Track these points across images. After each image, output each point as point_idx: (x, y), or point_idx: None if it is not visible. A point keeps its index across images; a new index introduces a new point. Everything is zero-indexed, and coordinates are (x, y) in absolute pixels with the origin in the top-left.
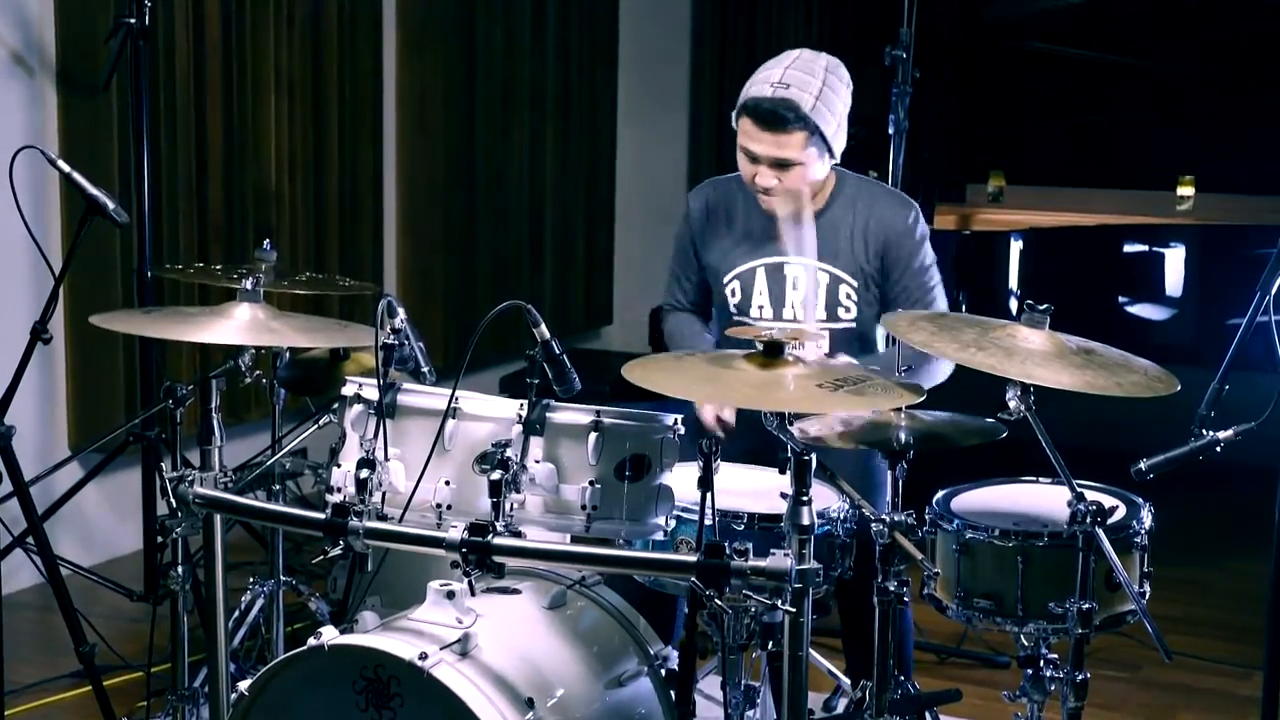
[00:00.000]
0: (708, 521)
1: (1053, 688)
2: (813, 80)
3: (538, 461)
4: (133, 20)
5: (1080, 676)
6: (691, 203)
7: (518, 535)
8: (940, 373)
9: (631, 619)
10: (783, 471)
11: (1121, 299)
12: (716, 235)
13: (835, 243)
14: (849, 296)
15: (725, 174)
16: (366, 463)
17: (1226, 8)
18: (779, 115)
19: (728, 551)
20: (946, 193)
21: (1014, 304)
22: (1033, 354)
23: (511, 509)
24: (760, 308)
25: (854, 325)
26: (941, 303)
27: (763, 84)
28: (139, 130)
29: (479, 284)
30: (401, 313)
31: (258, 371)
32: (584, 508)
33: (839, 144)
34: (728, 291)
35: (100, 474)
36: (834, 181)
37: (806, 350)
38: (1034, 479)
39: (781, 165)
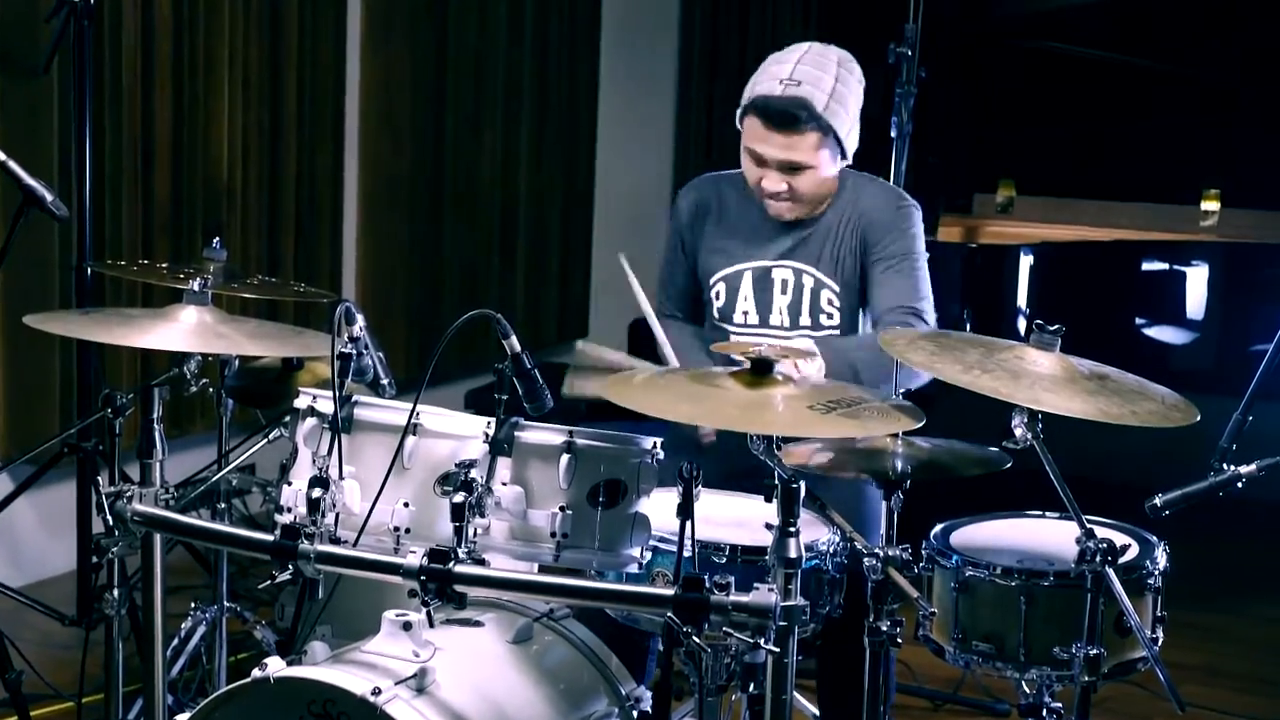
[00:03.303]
0: (687, 553)
1: None
2: (825, 76)
3: (505, 484)
4: None
5: None
6: (680, 201)
7: (481, 563)
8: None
9: (602, 656)
10: (769, 500)
11: (1139, 321)
12: (704, 236)
13: (822, 244)
14: (830, 303)
15: (717, 173)
16: (319, 481)
17: (1263, 10)
18: (791, 115)
19: (707, 585)
20: (952, 203)
21: (1022, 324)
22: (1042, 378)
23: (475, 535)
24: (745, 314)
25: (838, 333)
26: (925, 291)
27: (771, 80)
28: (81, 117)
29: (445, 291)
30: (360, 320)
31: (204, 380)
32: (554, 535)
33: (852, 144)
34: (712, 294)
35: (32, 487)
36: (837, 185)
37: (805, 366)
38: (1040, 513)
39: (792, 169)
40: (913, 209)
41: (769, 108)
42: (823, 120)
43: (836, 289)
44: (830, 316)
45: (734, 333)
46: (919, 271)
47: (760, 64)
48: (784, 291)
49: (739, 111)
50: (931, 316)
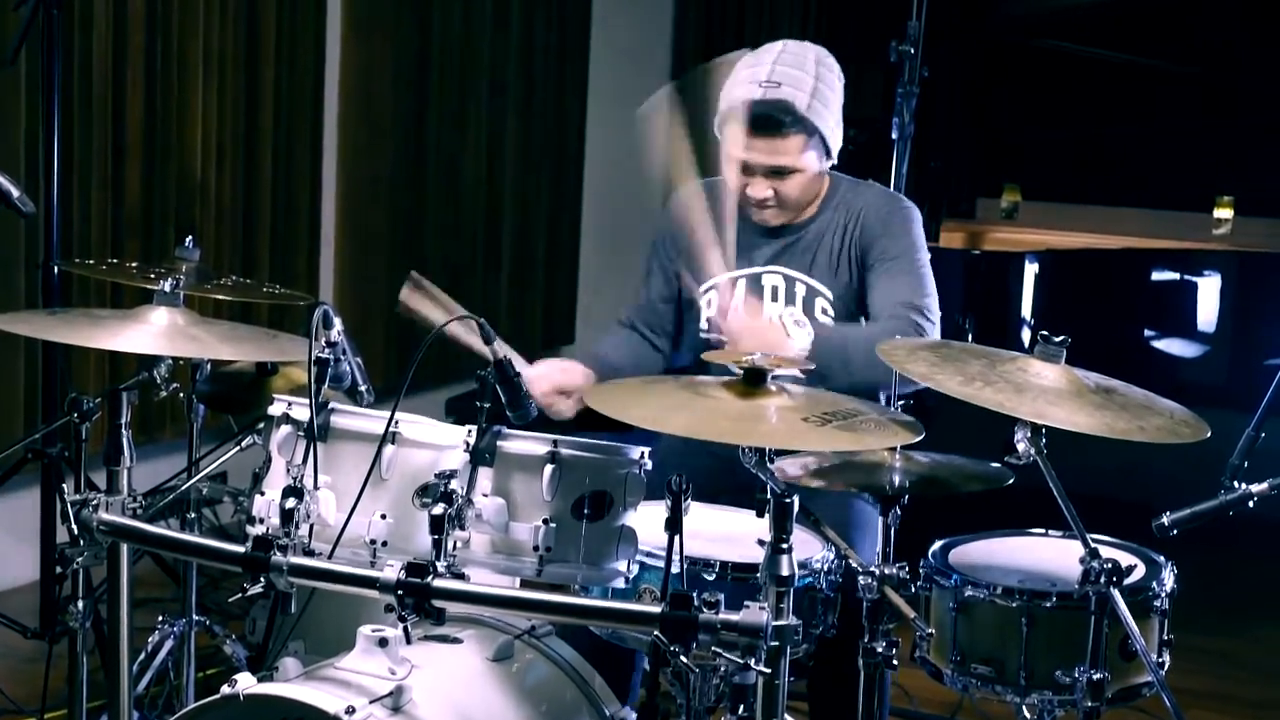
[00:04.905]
0: (675, 569)
1: None
2: (804, 75)
3: (486, 495)
4: None
5: None
6: (672, 207)
7: (461, 577)
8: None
9: (586, 675)
10: (761, 515)
11: (1147, 332)
12: (689, 245)
13: (815, 250)
14: (825, 311)
15: (708, 178)
16: (293, 491)
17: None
18: (774, 119)
19: (696, 603)
20: (955, 207)
21: (1026, 334)
22: (1046, 391)
23: (455, 548)
24: None
25: None
26: (929, 289)
27: (748, 84)
28: (49, 110)
29: None
30: (338, 324)
31: (175, 384)
32: (536, 549)
33: (836, 143)
34: (702, 303)
35: None
36: (826, 187)
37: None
38: (1043, 531)
39: (778, 173)
40: (911, 211)
41: (750, 113)
42: (807, 121)
43: (831, 296)
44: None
45: (726, 342)
46: (921, 269)
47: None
48: (775, 298)
49: (716, 119)
50: (935, 315)
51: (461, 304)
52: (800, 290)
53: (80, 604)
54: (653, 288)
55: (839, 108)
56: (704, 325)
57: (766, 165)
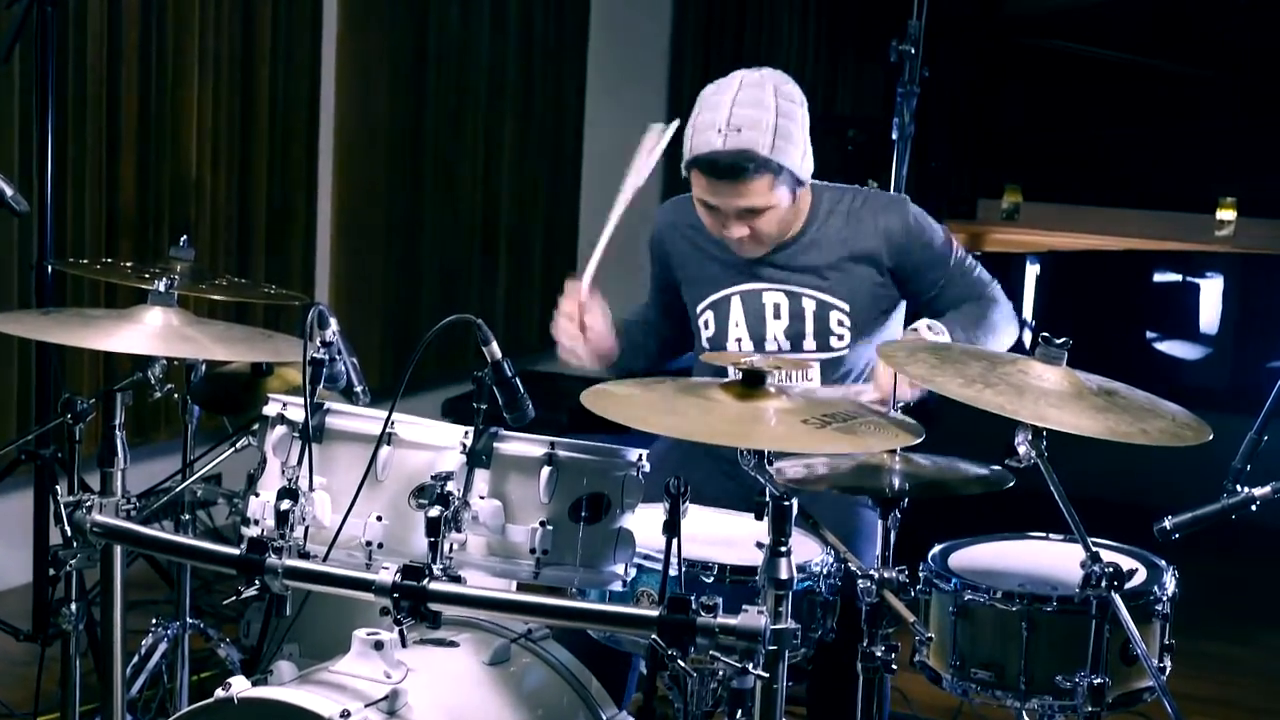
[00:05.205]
0: (673, 572)
1: None
2: (764, 115)
3: (483, 497)
4: None
5: None
6: (657, 220)
7: (457, 580)
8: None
9: (583, 679)
10: (759, 517)
11: (1150, 334)
12: (683, 259)
13: (817, 265)
14: (841, 323)
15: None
16: (288, 492)
17: None
18: (736, 167)
19: (694, 606)
20: (955, 208)
21: (1028, 336)
22: (1047, 393)
23: (451, 550)
24: (738, 340)
25: (846, 354)
26: (979, 275)
27: (709, 132)
28: (43, 108)
29: (423, 295)
30: (334, 324)
31: (169, 385)
32: (533, 551)
33: (807, 170)
34: (700, 324)
35: None
36: (808, 201)
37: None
38: (1043, 535)
39: (750, 213)
40: (909, 204)
41: (714, 163)
42: (771, 163)
43: (847, 309)
44: (841, 338)
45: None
46: (964, 261)
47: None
48: (777, 316)
49: (683, 165)
50: (999, 289)
51: (457, 305)
52: (809, 305)
53: (73, 606)
54: (653, 288)
55: (804, 136)
56: (705, 345)
57: (737, 208)
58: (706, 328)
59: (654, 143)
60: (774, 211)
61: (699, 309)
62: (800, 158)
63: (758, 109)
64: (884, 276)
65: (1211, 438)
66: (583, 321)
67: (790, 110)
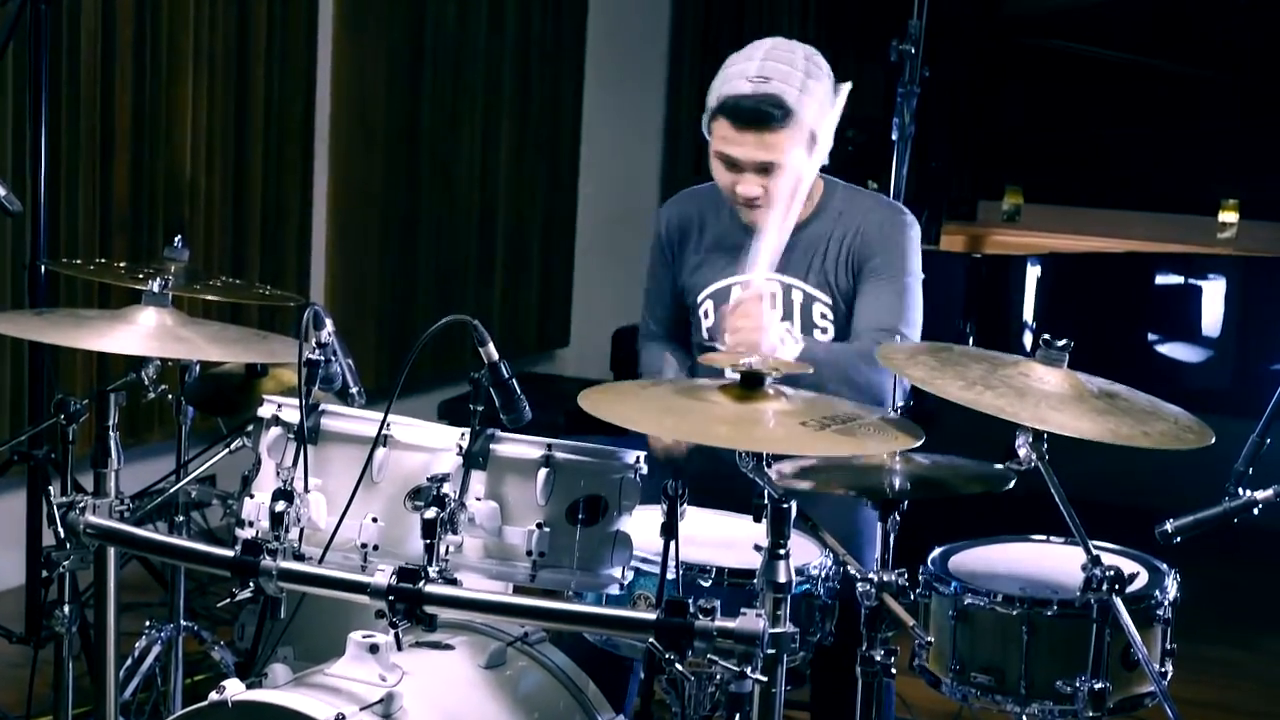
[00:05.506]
0: (670, 574)
1: None
2: (793, 71)
3: (479, 499)
4: None
5: None
6: (662, 217)
7: (453, 583)
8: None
9: (579, 683)
10: (758, 520)
11: (1151, 337)
12: (689, 252)
13: (811, 257)
14: (824, 316)
15: (702, 184)
16: (283, 494)
17: None
18: (763, 112)
19: (692, 610)
20: (956, 209)
21: (1028, 338)
22: (1048, 396)
23: (447, 552)
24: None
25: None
26: (911, 316)
27: (738, 79)
28: (36, 107)
29: (419, 296)
30: (329, 325)
31: (163, 386)
32: (530, 554)
33: (826, 140)
34: (700, 313)
35: None
36: (821, 190)
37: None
38: (1044, 538)
39: (765, 169)
40: (910, 225)
41: (740, 107)
42: (796, 115)
43: (829, 302)
44: (825, 331)
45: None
46: (907, 292)
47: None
48: (773, 306)
49: (705, 117)
50: (914, 340)
51: (453, 306)
52: (798, 297)
53: (66, 609)
54: (661, 301)
55: (829, 106)
56: (704, 335)
57: (755, 160)
58: (706, 317)
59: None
60: (789, 172)
61: (699, 298)
62: (823, 122)
63: (787, 65)
64: (850, 272)
65: (1214, 440)
66: None
67: (818, 74)
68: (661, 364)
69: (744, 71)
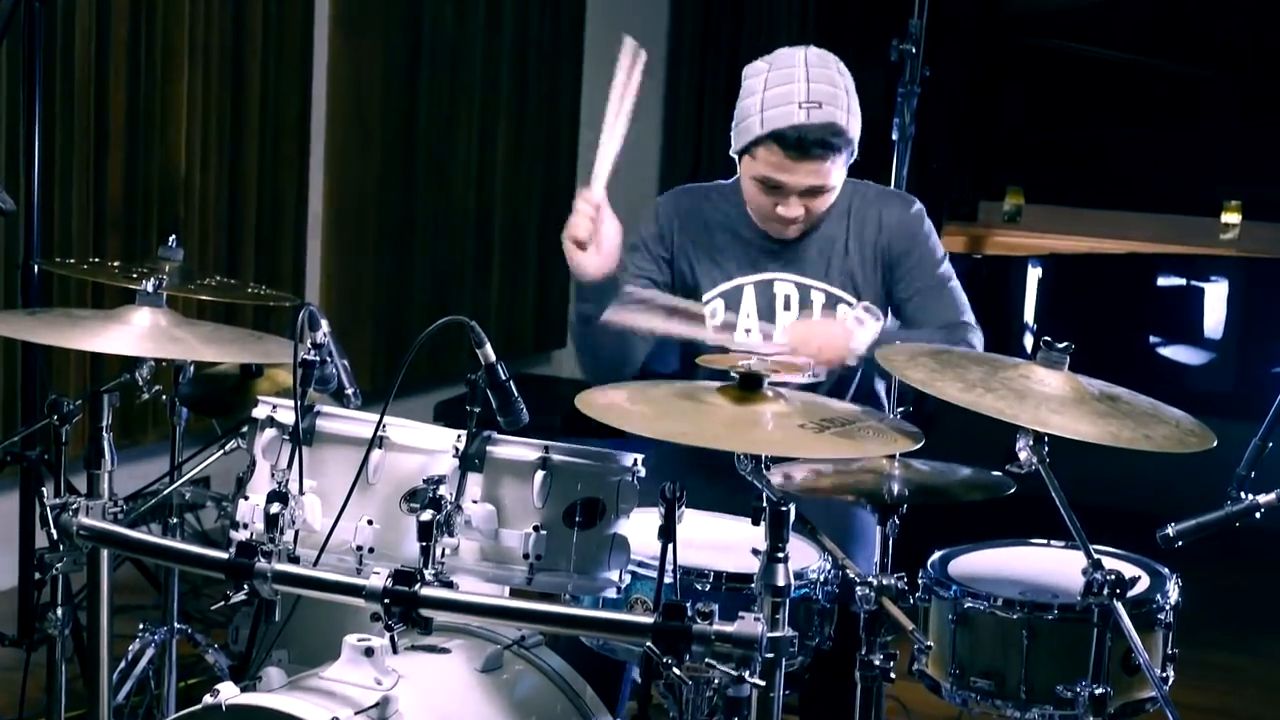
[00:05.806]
0: (668, 578)
1: None
2: (838, 91)
3: (475, 502)
4: None
5: None
6: (661, 206)
7: (449, 586)
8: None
9: (576, 687)
10: (756, 523)
11: (1153, 339)
12: (691, 247)
13: (829, 257)
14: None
15: (699, 183)
16: (278, 496)
17: None
18: (826, 143)
19: (689, 613)
20: (956, 210)
21: (1029, 340)
22: (1049, 398)
23: (443, 555)
24: (748, 331)
25: None
26: (963, 302)
27: (789, 106)
28: (30, 105)
29: (415, 297)
30: (325, 325)
31: (157, 387)
32: (526, 557)
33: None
34: (707, 313)
35: None
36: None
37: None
38: (1044, 542)
39: (814, 193)
40: (921, 209)
41: (802, 138)
42: (848, 137)
43: (853, 301)
44: None
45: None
46: (953, 283)
47: (747, 77)
48: (787, 307)
49: (743, 139)
50: (965, 302)
51: (450, 307)
52: (818, 298)
53: (59, 611)
54: (644, 275)
55: (860, 115)
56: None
57: (806, 185)
58: (714, 316)
59: (630, 61)
60: (832, 193)
61: (707, 297)
62: (858, 132)
63: (832, 86)
64: (879, 272)
65: (1216, 444)
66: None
67: (851, 85)
68: (648, 296)
69: (792, 95)
